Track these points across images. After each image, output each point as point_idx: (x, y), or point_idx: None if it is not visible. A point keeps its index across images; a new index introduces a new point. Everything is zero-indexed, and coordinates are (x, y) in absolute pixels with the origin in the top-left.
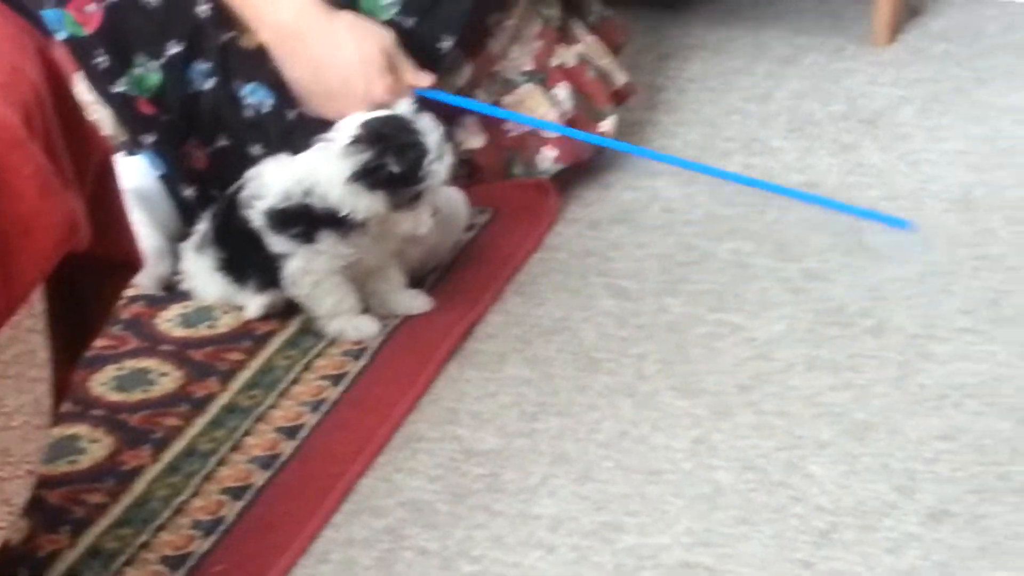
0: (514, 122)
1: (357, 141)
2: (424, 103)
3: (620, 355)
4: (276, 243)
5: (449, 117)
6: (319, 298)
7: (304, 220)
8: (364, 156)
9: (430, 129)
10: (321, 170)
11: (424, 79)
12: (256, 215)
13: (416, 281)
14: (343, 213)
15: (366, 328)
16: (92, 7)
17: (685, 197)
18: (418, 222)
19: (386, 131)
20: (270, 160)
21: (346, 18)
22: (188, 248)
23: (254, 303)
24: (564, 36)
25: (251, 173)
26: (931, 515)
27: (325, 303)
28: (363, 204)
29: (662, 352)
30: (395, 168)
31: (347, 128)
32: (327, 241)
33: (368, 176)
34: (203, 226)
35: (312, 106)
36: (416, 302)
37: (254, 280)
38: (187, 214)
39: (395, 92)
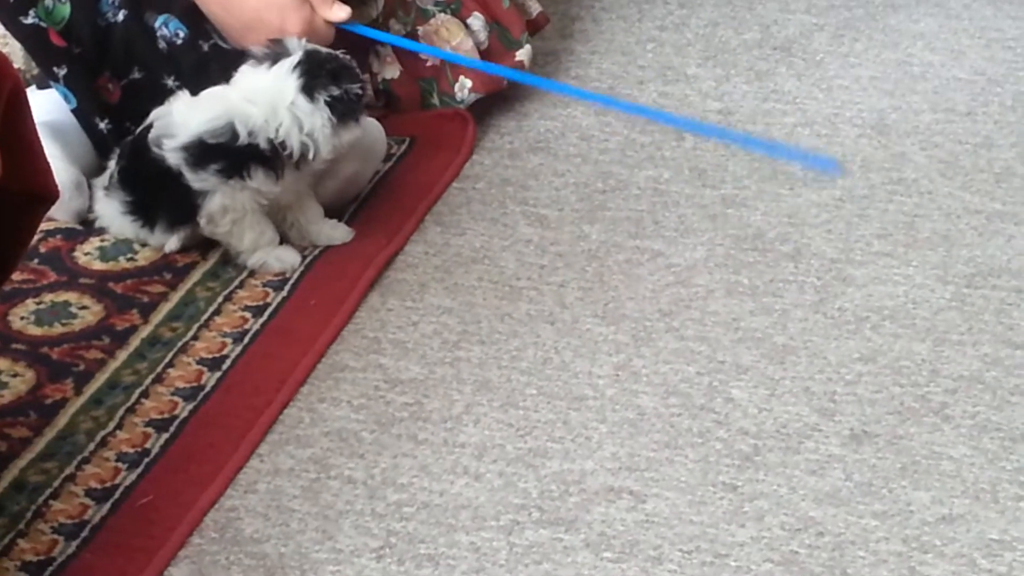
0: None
1: (318, 83)
2: (341, 35)
3: (541, 283)
4: (197, 180)
5: (364, 48)
6: (238, 234)
7: (229, 155)
8: (336, 94)
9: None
10: (280, 116)
11: (340, 12)
12: (171, 153)
13: (336, 212)
14: (311, 153)
15: (288, 259)
16: None
17: (601, 125)
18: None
19: (331, 64)
20: (177, 98)
21: None
22: (98, 188)
23: (172, 237)
24: None
25: (157, 112)
26: (852, 436)
27: (245, 239)
28: (345, 139)
29: (582, 279)
30: (359, 93)
31: (263, 73)
32: (258, 179)
33: (347, 112)
34: (111, 167)
35: (229, 38)
36: (336, 232)
37: (164, 220)
38: (101, 147)
39: (311, 25)
